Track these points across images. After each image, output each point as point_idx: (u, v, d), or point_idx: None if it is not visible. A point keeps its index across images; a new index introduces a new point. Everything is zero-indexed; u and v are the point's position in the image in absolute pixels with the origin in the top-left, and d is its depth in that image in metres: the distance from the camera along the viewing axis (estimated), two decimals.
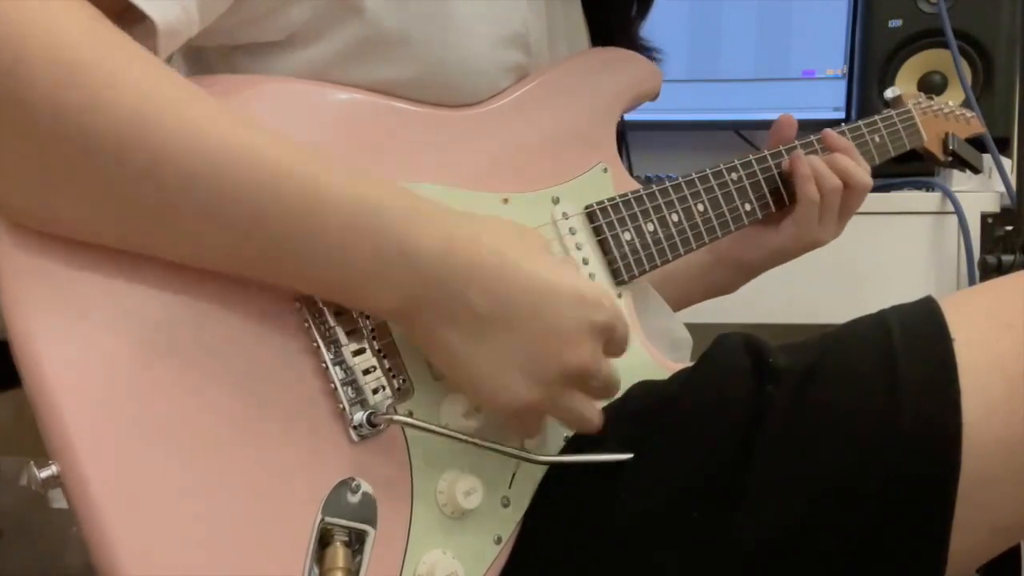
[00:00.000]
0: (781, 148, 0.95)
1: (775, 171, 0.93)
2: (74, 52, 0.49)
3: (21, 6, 0.48)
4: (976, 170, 1.26)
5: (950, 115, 1.20)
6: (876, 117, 1.06)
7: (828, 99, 1.66)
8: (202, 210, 0.53)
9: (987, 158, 1.32)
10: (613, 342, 0.65)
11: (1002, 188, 1.35)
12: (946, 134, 1.16)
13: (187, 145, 0.51)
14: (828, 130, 0.97)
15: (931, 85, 1.53)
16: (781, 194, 0.94)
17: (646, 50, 0.95)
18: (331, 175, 0.56)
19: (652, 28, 0.98)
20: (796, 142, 0.96)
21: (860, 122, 1.04)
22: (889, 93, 1.16)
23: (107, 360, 0.52)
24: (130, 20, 0.54)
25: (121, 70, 0.51)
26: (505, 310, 0.59)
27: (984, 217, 1.37)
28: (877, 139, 1.04)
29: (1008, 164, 1.42)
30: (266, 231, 0.54)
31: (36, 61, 0.48)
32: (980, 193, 1.38)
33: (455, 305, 0.59)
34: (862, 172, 0.95)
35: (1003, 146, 1.42)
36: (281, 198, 0.54)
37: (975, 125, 1.24)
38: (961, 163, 1.22)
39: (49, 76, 0.48)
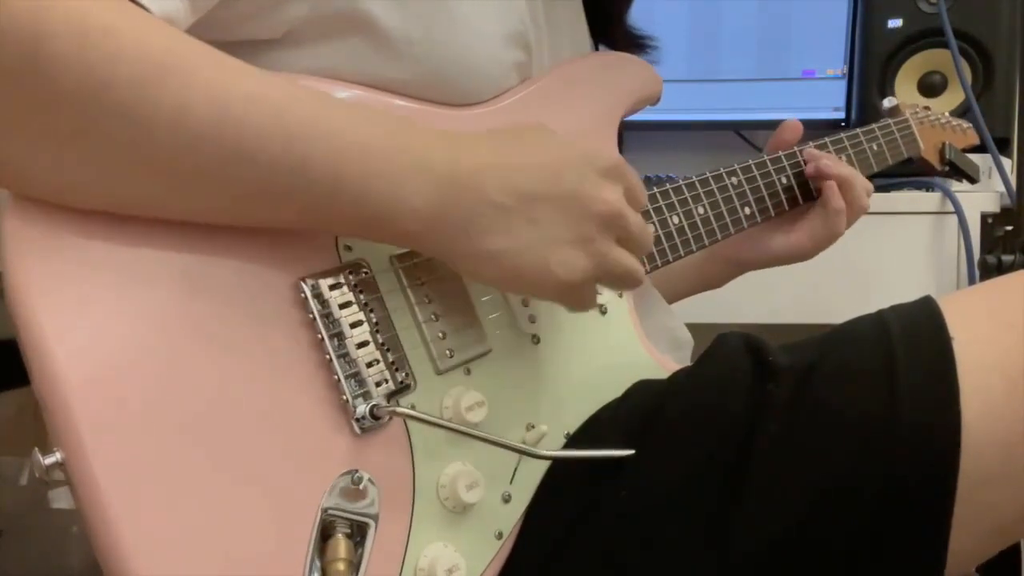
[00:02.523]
0: (781, 154, 0.96)
1: (774, 176, 0.94)
2: (96, 18, 0.50)
3: None
4: (972, 180, 1.26)
5: (947, 125, 1.20)
6: (874, 126, 1.07)
7: (828, 99, 1.66)
8: (227, 154, 0.53)
9: (987, 158, 1.33)
10: (630, 190, 0.66)
11: (1002, 188, 1.35)
12: (943, 144, 1.17)
13: (212, 91, 0.53)
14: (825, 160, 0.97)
15: (931, 85, 1.53)
16: (781, 199, 0.95)
17: (640, 38, 0.96)
18: (342, 109, 0.59)
19: (652, 28, 0.98)
20: (795, 148, 0.98)
21: (858, 130, 1.04)
22: (887, 103, 1.17)
23: (112, 348, 0.52)
24: None
25: (142, 29, 0.52)
26: (525, 193, 0.61)
27: (984, 217, 1.38)
28: (875, 148, 1.05)
29: (1008, 164, 1.42)
30: (290, 164, 0.55)
31: (58, 27, 0.49)
32: (980, 193, 1.39)
33: (479, 206, 0.59)
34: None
35: (1003, 146, 1.42)
36: (299, 131, 0.55)
37: (971, 136, 1.25)
38: (958, 173, 1.22)
39: (72, 38, 0.49)
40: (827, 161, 0.96)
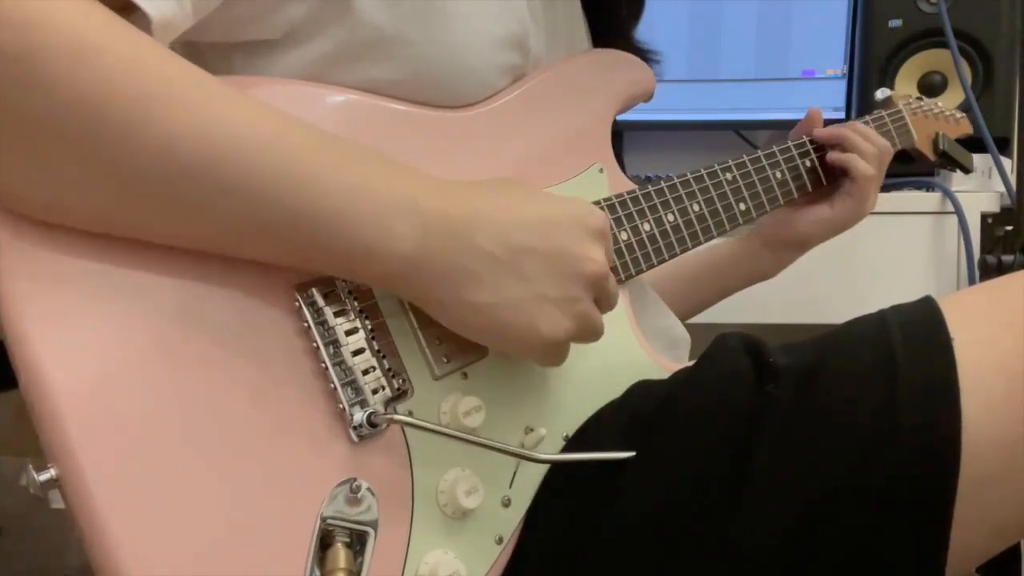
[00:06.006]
0: (775, 148, 0.97)
1: (769, 171, 0.94)
2: (89, 36, 0.50)
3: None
4: (966, 170, 1.26)
5: (940, 115, 1.20)
6: (867, 117, 1.07)
7: (828, 99, 1.66)
8: (213, 186, 0.53)
9: (987, 158, 1.33)
10: (608, 251, 0.67)
11: (1002, 188, 1.35)
12: (936, 134, 1.17)
13: (202, 121, 0.52)
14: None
15: (931, 85, 1.53)
16: (776, 194, 0.95)
17: (644, 52, 0.96)
18: (333, 146, 0.58)
19: (652, 28, 0.98)
20: (804, 137, 1.00)
21: (853, 122, 1.04)
22: (879, 94, 1.16)
23: (106, 364, 0.52)
24: (124, 12, 0.55)
25: (134, 52, 0.52)
26: (515, 247, 0.61)
27: (984, 217, 1.38)
28: None
29: (1008, 164, 1.42)
30: (275, 200, 0.55)
31: (51, 47, 0.49)
32: (980, 193, 1.38)
33: (468, 255, 0.59)
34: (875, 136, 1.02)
35: (1003, 146, 1.42)
36: (287, 167, 0.55)
37: (964, 125, 1.25)
38: (951, 163, 1.22)
39: (65, 57, 0.49)
40: (823, 131, 1.01)
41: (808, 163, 0.99)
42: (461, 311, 0.61)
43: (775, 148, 0.96)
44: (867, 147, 0.99)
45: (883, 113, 1.09)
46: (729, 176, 0.90)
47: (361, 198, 0.57)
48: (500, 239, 0.60)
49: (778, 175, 0.95)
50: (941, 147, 1.16)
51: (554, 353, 0.65)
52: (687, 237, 0.85)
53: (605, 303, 0.67)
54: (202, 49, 0.71)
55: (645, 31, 0.98)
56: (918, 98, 1.18)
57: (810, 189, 0.99)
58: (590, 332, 0.66)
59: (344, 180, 0.56)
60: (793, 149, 0.98)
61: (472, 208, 0.61)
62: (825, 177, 1.00)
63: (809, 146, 0.99)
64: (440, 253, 0.59)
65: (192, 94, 0.53)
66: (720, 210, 0.88)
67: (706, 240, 0.87)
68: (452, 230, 0.59)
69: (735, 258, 1.06)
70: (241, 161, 0.53)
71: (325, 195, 0.56)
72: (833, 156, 1.00)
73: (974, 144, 1.26)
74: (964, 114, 1.25)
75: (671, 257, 0.83)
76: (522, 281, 0.61)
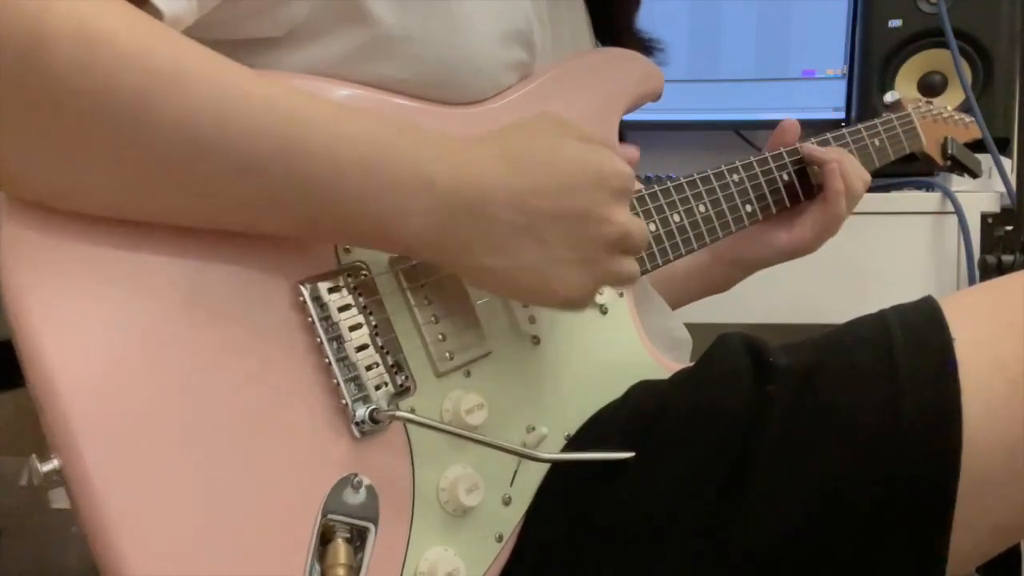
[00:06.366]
0: (782, 150, 0.96)
1: (776, 173, 0.94)
2: (99, 21, 0.50)
3: None
4: (974, 175, 1.26)
5: (949, 119, 1.20)
6: (876, 121, 1.07)
7: (828, 99, 1.66)
8: (229, 163, 0.53)
9: (987, 158, 1.33)
10: (630, 199, 0.67)
11: (1002, 188, 1.35)
12: (945, 138, 1.17)
13: (216, 99, 0.52)
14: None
15: (931, 85, 1.53)
16: (782, 195, 0.94)
17: (646, 41, 0.96)
18: (346, 120, 0.57)
19: (652, 28, 0.98)
20: (797, 144, 0.98)
21: (860, 126, 1.04)
22: (889, 97, 1.17)
23: (111, 354, 0.52)
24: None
25: (146, 35, 0.52)
26: (535, 212, 0.61)
27: (984, 217, 1.38)
28: (877, 143, 1.05)
29: (1008, 164, 1.42)
30: (290, 175, 0.54)
31: (61, 30, 0.48)
32: (980, 193, 1.38)
33: (485, 225, 0.59)
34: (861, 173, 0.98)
35: (1003, 146, 1.42)
36: (301, 142, 0.54)
37: (973, 130, 1.25)
38: (960, 167, 1.22)
39: (75, 42, 0.49)
40: (816, 149, 0.97)
41: (786, 176, 0.96)
42: (479, 275, 0.62)
43: (782, 150, 0.96)
44: (854, 185, 0.96)
45: (892, 116, 1.09)
46: (736, 177, 0.90)
47: (374, 174, 0.56)
48: (517, 207, 0.60)
49: (785, 177, 0.95)
50: (950, 151, 1.16)
51: (576, 306, 0.65)
52: (692, 238, 0.85)
53: (634, 249, 0.66)
54: (208, 46, 0.71)
55: (651, 33, 0.98)
56: (928, 102, 1.19)
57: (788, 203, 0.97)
58: (615, 281, 0.66)
59: (357, 155, 0.56)
60: (786, 156, 0.96)
61: (489, 173, 0.60)
62: (804, 194, 0.97)
63: (786, 158, 0.96)
64: (455, 225, 0.59)
65: (205, 70, 0.53)
66: (726, 211, 0.88)
67: (711, 241, 0.87)
68: (467, 202, 0.59)
69: (689, 272, 1.05)
70: (259, 134, 0.53)
71: (339, 170, 0.55)
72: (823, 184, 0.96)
73: (974, 144, 1.26)
74: (973, 119, 1.25)
75: (676, 258, 0.83)
76: (540, 245, 0.61)
